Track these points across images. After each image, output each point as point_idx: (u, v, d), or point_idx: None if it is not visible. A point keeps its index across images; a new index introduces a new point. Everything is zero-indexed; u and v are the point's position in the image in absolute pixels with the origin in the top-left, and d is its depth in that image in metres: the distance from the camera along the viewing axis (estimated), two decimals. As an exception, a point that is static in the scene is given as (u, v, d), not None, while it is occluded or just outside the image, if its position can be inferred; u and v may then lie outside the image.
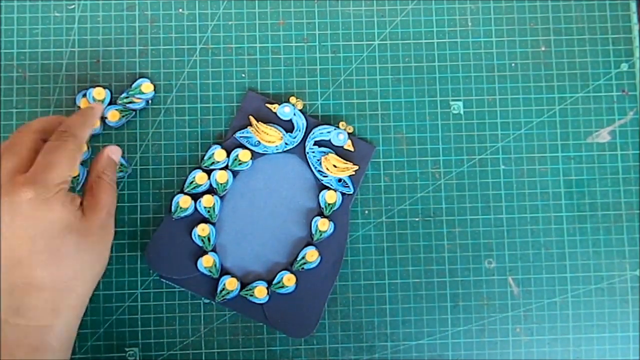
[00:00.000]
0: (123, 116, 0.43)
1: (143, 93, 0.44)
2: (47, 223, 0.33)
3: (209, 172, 0.43)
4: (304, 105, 0.45)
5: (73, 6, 0.45)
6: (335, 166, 0.43)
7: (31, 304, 0.33)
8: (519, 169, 0.45)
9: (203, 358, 0.43)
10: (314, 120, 0.44)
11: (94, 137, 0.44)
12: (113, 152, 0.40)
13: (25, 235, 0.33)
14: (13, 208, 0.33)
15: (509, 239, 0.44)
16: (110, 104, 0.44)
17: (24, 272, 0.33)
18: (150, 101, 0.44)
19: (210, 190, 0.43)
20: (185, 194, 0.43)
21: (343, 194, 0.43)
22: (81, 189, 0.42)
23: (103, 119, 0.43)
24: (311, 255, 0.43)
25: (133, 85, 0.44)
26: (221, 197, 0.43)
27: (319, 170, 0.43)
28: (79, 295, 0.35)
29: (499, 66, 0.46)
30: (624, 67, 0.46)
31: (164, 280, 0.43)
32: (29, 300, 0.33)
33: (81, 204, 0.36)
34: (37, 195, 0.33)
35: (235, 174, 0.43)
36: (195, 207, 0.43)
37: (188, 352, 0.43)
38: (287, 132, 0.44)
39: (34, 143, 0.36)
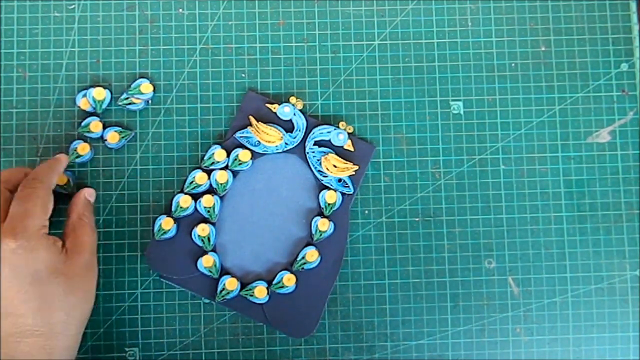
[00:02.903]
0: (123, 137, 0.43)
1: (142, 93, 0.44)
2: (34, 270, 0.34)
3: (209, 172, 0.43)
4: (304, 105, 0.45)
5: (73, 6, 0.45)
6: (335, 166, 0.43)
7: (25, 351, 0.34)
8: (519, 169, 0.45)
9: (203, 358, 0.43)
10: (314, 120, 0.44)
11: (93, 160, 0.44)
12: (90, 194, 0.41)
13: (14, 285, 0.34)
14: None
15: (509, 239, 0.44)
16: (110, 103, 0.44)
17: (17, 321, 0.34)
18: (150, 101, 0.44)
19: (210, 190, 0.43)
20: (186, 194, 0.43)
21: (343, 194, 0.43)
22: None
23: (104, 140, 0.44)
24: (311, 255, 0.43)
25: (132, 86, 0.44)
26: (221, 197, 0.43)
27: (319, 170, 0.43)
28: (71, 335, 0.36)
29: (499, 66, 0.46)
30: (624, 67, 0.46)
31: (164, 280, 0.43)
32: (23, 347, 0.34)
33: (63, 245, 0.37)
34: (20, 244, 0.34)
35: (235, 174, 0.43)
36: (195, 207, 0.43)
37: (188, 352, 0.43)
38: (287, 132, 0.44)
39: (2, 194, 0.37)
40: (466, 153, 0.45)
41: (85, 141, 0.43)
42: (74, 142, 0.43)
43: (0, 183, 0.37)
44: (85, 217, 0.39)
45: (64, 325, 0.35)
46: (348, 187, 0.43)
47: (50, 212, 0.37)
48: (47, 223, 0.37)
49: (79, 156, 0.43)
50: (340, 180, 0.43)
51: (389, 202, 0.44)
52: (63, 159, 0.40)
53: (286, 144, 0.43)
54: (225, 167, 0.43)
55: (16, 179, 0.38)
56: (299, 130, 0.44)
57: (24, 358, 0.34)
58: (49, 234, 0.36)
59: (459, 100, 0.45)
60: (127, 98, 0.44)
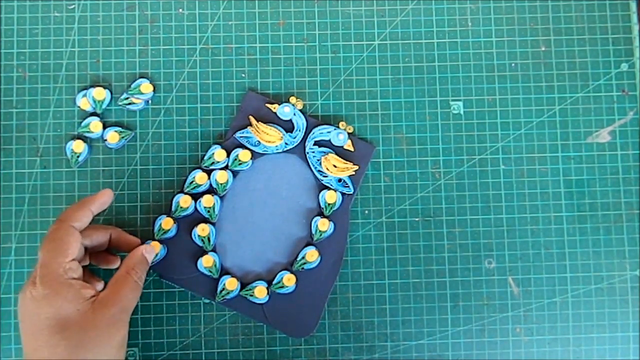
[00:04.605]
0: (123, 137, 0.43)
1: (142, 93, 0.44)
2: (45, 319, 0.34)
3: (209, 172, 0.43)
4: (304, 105, 0.45)
5: (73, 6, 0.45)
6: (335, 166, 0.43)
7: None
8: (519, 169, 0.45)
9: (203, 358, 0.43)
10: (314, 120, 0.44)
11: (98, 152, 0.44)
12: (148, 252, 0.39)
13: (29, 332, 0.34)
14: (20, 306, 0.34)
15: (509, 239, 0.44)
16: (110, 103, 0.44)
17: None
18: (150, 101, 0.44)
19: (210, 190, 0.43)
20: (186, 194, 0.43)
21: (343, 194, 0.43)
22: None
23: (104, 140, 0.44)
24: (311, 255, 0.43)
25: (132, 86, 0.44)
26: (221, 197, 0.43)
27: (319, 170, 0.43)
28: None
29: (499, 66, 0.46)
30: (624, 67, 0.46)
31: (164, 280, 0.43)
32: None
33: (96, 295, 0.35)
34: (38, 292, 0.34)
35: (235, 174, 0.43)
36: (195, 207, 0.43)
37: (188, 352, 0.43)
38: (287, 132, 0.44)
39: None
40: (466, 153, 0.45)
41: (80, 138, 0.43)
42: (69, 143, 0.43)
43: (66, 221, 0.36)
44: (133, 273, 0.37)
45: None
46: (348, 187, 0.43)
47: (76, 253, 0.36)
48: (75, 266, 0.35)
49: (77, 159, 0.43)
50: (340, 180, 0.43)
51: (389, 202, 0.44)
52: (99, 198, 0.39)
53: (286, 144, 0.43)
54: (225, 167, 0.43)
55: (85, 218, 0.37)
56: (299, 130, 0.44)
57: None
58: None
59: (459, 100, 0.45)
60: (127, 98, 0.44)
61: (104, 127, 0.44)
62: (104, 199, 0.39)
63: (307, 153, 0.43)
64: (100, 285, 0.40)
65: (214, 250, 0.43)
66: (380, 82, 0.45)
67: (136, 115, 0.44)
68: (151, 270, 0.43)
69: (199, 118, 0.45)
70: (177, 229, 0.43)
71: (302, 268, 0.43)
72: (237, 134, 0.43)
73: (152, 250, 0.40)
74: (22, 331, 0.34)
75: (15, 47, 0.45)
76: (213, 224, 0.43)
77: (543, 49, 0.46)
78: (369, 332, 0.44)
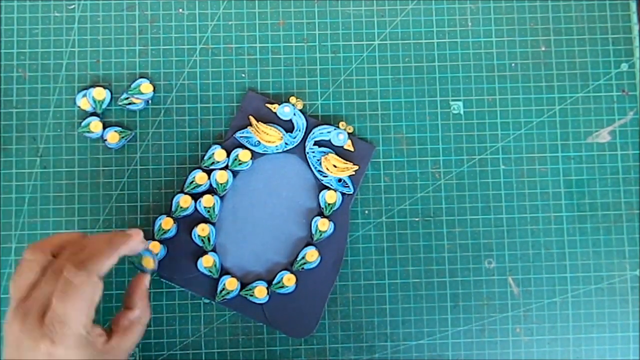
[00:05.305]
0: (123, 137, 0.43)
1: (142, 93, 0.44)
2: None
3: (209, 172, 0.43)
4: (304, 105, 0.45)
5: (73, 6, 0.45)
6: (335, 166, 0.43)
7: None
8: (519, 169, 0.45)
9: (203, 358, 0.43)
10: (314, 120, 0.44)
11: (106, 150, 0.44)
12: (147, 282, 0.38)
13: None
14: (27, 356, 0.32)
15: (509, 239, 0.44)
16: (110, 103, 0.44)
17: None
18: (150, 101, 0.44)
19: (210, 190, 0.43)
20: (186, 194, 0.43)
21: (343, 194, 0.43)
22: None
23: (104, 140, 0.44)
24: (311, 255, 0.43)
25: (132, 86, 0.44)
26: (221, 197, 0.43)
27: (319, 170, 0.43)
28: None
29: (499, 66, 0.46)
30: (624, 67, 0.46)
31: (164, 280, 0.43)
32: None
33: (108, 337, 0.35)
34: (56, 349, 0.31)
35: (235, 174, 0.43)
36: (195, 207, 0.43)
37: (188, 352, 0.43)
38: (287, 132, 0.44)
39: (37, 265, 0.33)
40: (466, 153, 0.45)
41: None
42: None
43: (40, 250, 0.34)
44: (144, 316, 0.37)
45: None
46: (348, 187, 0.43)
47: (96, 303, 0.33)
48: (93, 317, 0.33)
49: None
50: (340, 180, 0.43)
51: (389, 202, 0.44)
52: (131, 243, 0.36)
53: (286, 144, 0.43)
54: (225, 167, 0.43)
55: (70, 244, 0.35)
56: (299, 130, 0.44)
57: None
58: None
59: (459, 100, 0.45)
60: (127, 98, 0.44)
61: (104, 127, 0.44)
62: (136, 245, 0.36)
63: (307, 153, 0.43)
64: None
65: (214, 250, 0.43)
66: (380, 82, 0.45)
67: (136, 115, 0.44)
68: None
69: (199, 118, 0.45)
70: (177, 229, 0.43)
71: (302, 268, 0.43)
72: (237, 134, 0.43)
73: (148, 276, 0.38)
74: None
75: (15, 47, 0.45)
76: (213, 224, 0.43)
77: (543, 49, 0.46)
78: (369, 332, 0.44)
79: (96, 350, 0.33)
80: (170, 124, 0.44)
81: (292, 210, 0.44)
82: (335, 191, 0.43)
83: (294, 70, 0.45)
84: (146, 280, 0.38)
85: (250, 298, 0.42)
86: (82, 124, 0.44)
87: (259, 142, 0.43)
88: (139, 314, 0.36)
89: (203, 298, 0.43)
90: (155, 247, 0.41)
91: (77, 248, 0.34)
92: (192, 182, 0.43)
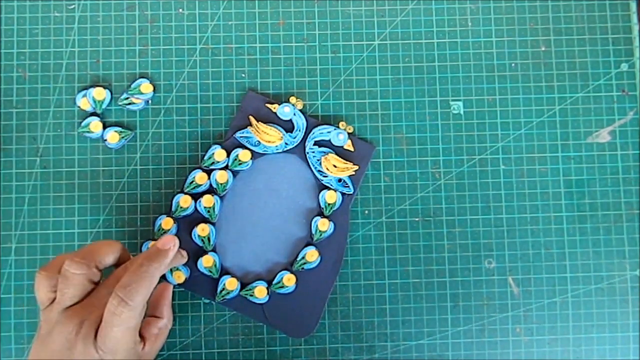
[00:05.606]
0: (123, 137, 0.43)
1: (142, 93, 0.44)
2: None
3: (209, 172, 0.43)
4: (304, 105, 0.45)
5: (73, 6, 0.45)
6: (335, 166, 0.43)
7: None
8: (519, 169, 0.45)
9: (203, 358, 0.43)
10: (314, 120, 0.44)
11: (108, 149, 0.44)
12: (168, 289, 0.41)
13: None
14: None
15: (509, 239, 0.44)
16: (110, 103, 0.44)
17: None
18: (150, 101, 0.44)
19: (210, 190, 0.43)
20: (186, 194, 0.43)
21: (343, 194, 0.43)
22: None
23: (104, 140, 0.44)
24: (311, 255, 0.43)
25: (132, 86, 0.44)
26: (221, 197, 0.43)
27: (319, 170, 0.43)
28: None
29: (499, 66, 0.46)
30: (624, 67, 0.46)
31: (164, 280, 0.43)
32: None
33: (143, 345, 0.37)
34: (104, 354, 0.34)
35: (235, 174, 0.43)
36: (195, 207, 0.43)
37: (188, 352, 0.43)
38: (287, 132, 0.44)
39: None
40: (466, 153, 0.45)
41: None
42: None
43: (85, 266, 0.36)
44: (169, 323, 0.40)
45: None
46: (348, 187, 0.43)
47: (137, 335, 0.36)
48: (139, 328, 0.36)
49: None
50: (340, 180, 0.43)
51: (389, 202, 0.44)
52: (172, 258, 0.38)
53: (286, 144, 0.43)
54: (225, 167, 0.43)
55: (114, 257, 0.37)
56: (299, 130, 0.44)
57: None
58: None
59: (459, 100, 0.45)
60: (127, 98, 0.44)
61: (104, 127, 0.44)
62: (177, 262, 0.40)
63: (307, 153, 0.43)
64: None
65: (214, 250, 0.43)
66: (380, 82, 0.45)
67: (136, 115, 0.44)
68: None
69: (199, 118, 0.45)
70: (177, 229, 0.43)
71: (302, 268, 0.43)
72: (237, 134, 0.43)
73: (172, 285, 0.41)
74: None
75: (15, 47, 0.45)
76: (213, 224, 0.43)
77: (543, 49, 0.46)
78: (369, 332, 0.44)
79: (137, 357, 0.36)
80: (170, 124, 0.44)
81: (292, 210, 0.44)
82: (335, 191, 0.43)
83: (294, 70, 0.45)
84: (171, 289, 0.40)
85: (250, 298, 0.42)
86: (82, 124, 0.44)
87: (259, 142, 0.43)
88: (167, 322, 0.39)
89: (203, 298, 0.43)
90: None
91: (121, 272, 0.36)
92: (192, 182, 0.43)
